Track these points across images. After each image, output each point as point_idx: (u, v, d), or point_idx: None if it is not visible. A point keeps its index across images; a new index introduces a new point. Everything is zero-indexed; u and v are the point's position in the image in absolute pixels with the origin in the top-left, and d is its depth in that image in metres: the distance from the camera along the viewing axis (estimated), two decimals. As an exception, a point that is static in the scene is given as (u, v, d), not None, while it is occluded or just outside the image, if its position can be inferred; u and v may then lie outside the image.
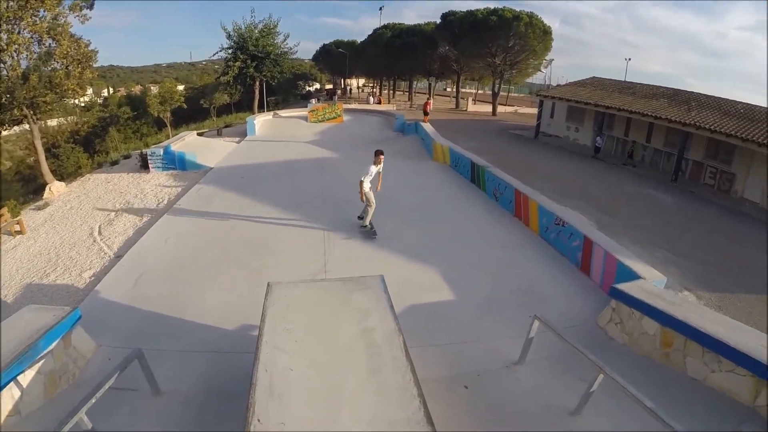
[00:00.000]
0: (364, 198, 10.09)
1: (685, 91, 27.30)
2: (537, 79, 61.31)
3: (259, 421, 3.22)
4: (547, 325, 5.49)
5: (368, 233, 10.32)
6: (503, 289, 8.14)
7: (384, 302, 4.99)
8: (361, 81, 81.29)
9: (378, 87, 71.81)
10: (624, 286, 6.84)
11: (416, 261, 8.98)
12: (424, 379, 5.13)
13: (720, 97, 25.43)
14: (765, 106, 23.03)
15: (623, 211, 15.42)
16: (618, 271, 7.77)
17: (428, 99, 34.75)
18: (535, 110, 34.11)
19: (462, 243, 10.10)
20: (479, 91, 73.18)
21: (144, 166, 17.49)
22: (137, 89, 74.39)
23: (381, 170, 10.47)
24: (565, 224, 9.69)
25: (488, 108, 47.99)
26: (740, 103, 24.08)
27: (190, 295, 7.65)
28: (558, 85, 39.23)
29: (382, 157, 10.23)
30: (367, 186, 10.00)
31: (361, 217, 10.72)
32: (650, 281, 7.15)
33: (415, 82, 63.27)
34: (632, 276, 7.34)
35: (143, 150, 19.36)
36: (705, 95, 26.09)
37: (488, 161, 15.50)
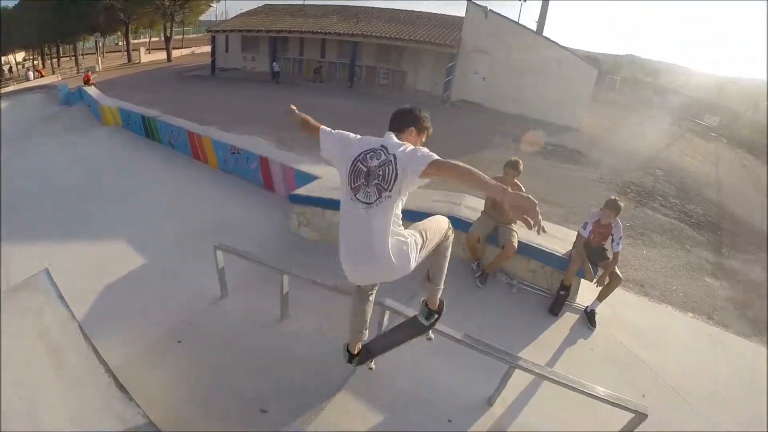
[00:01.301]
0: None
1: (353, 6, 30.11)
2: (213, 15, 59.65)
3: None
4: (229, 251, 5.61)
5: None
6: (194, 231, 8.01)
7: (53, 295, 4.69)
8: (21, 56, 68.18)
9: (40, 58, 61.42)
10: (302, 190, 7.36)
11: (99, 239, 8.18)
12: (133, 354, 4.89)
13: (385, 8, 28.79)
14: (426, 11, 27.29)
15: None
16: (297, 179, 8.29)
17: (87, 71, 31.50)
18: (212, 48, 33.62)
19: (144, 201, 9.53)
20: (153, 39, 68.33)
21: None
22: None
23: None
24: (240, 151, 10.01)
25: (164, 55, 45.47)
26: (403, 11, 27.72)
27: None
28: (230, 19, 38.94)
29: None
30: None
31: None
32: (328, 179, 7.79)
33: (81, 44, 55.95)
34: (310, 179, 7.85)
35: None
36: (372, 7, 29.44)
37: (164, 110, 14.92)
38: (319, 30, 26.00)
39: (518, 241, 5.83)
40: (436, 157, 2.78)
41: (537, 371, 4.02)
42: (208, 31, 35.22)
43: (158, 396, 4.21)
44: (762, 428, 4.99)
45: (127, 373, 3.66)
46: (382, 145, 2.95)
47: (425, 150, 2.84)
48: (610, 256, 5.76)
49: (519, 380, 4.59)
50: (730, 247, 13.43)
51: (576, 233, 6.04)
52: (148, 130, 14.36)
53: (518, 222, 6.03)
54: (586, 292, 6.13)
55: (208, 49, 41.95)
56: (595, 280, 5.81)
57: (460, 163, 2.68)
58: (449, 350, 4.58)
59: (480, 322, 5.37)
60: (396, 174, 2.83)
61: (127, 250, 7.66)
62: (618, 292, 6.37)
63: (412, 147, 2.91)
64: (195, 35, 70.76)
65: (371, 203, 2.87)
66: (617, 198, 5.68)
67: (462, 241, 6.16)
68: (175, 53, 46.14)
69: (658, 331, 6.24)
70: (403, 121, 3.19)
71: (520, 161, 5.86)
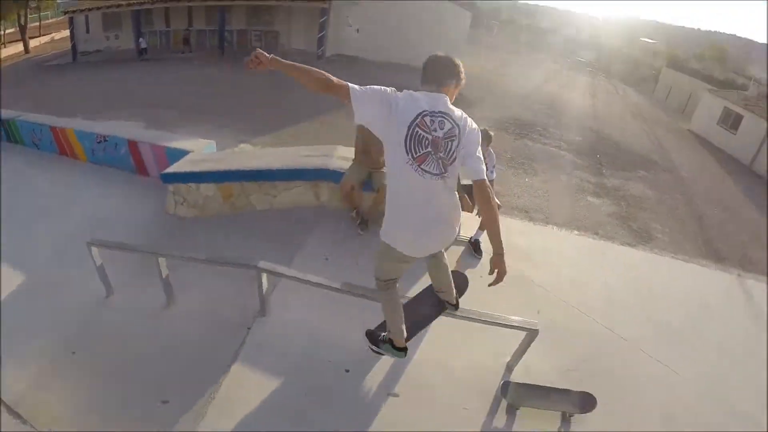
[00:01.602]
0: None
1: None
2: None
3: None
4: (103, 245, 5.34)
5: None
6: (69, 233, 7.25)
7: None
8: None
9: None
10: (172, 168, 7.01)
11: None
12: (29, 377, 4.56)
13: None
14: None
15: (175, 99, 15.56)
16: (168, 157, 7.89)
17: None
18: (76, 32, 30.99)
19: (12, 213, 8.43)
20: (8, 31, 61.99)
21: None
22: None
23: None
24: (107, 138, 9.32)
25: (21, 47, 41.41)
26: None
27: None
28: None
29: None
30: None
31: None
32: (199, 151, 7.52)
33: None
34: (182, 154, 7.51)
35: None
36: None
37: (24, 108, 13.46)
38: (183, -2, 24.50)
39: None
40: (484, 175, 2.78)
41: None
42: (65, 13, 32.41)
43: (60, 413, 4.07)
44: (651, 326, 5.50)
45: (28, 398, 3.57)
46: (441, 111, 2.73)
47: (480, 154, 2.80)
48: None
49: (412, 318, 4.71)
50: (609, 167, 14.36)
51: None
52: (8, 133, 12.93)
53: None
54: (470, 224, 6.26)
55: (68, 33, 38.67)
56: (475, 211, 5.94)
57: (495, 203, 2.82)
58: (338, 302, 4.62)
59: (366, 269, 5.41)
60: (455, 158, 2.74)
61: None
62: (503, 220, 6.60)
63: (475, 133, 2.82)
64: (54, 19, 64.98)
65: (440, 174, 2.71)
66: (487, 128, 5.80)
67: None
68: (34, 43, 41.91)
69: (546, 251, 6.55)
70: (446, 75, 2.88)
71: None
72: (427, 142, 2.64)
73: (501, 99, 18.37)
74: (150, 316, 5.19)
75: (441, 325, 4.69)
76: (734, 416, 4.63)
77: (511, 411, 4.11)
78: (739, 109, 24.47)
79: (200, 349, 4.61)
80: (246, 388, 4.08)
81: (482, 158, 2.79)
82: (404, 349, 3.55)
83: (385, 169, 2.88)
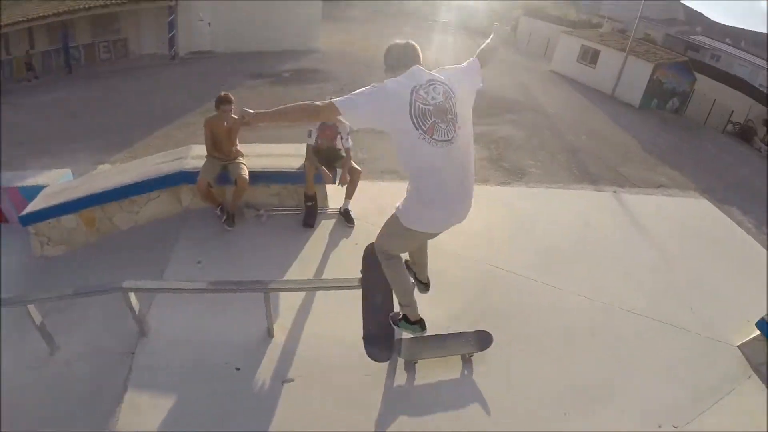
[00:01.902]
0: None
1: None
2: None
3: None
4: None
5: None
6: None
7: None
8: None
9: None
10: (28, 208, 6.54)
11: None
12: None
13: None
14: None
15: (24, 132, 14.22)
16: (25, 197, 7.26)
17: None
18: None
19: None
20: None
21: None
22: None
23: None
24: None
25: None
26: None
27: None
28: None
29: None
30: None
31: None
32: (55, 183, 7.12)
33: None
34: (38, 191, 7.03)
35: None
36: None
37: None
38: (18, 19, 22.20)
39: (249, 172, 5.91)
40: (475, 58, 3.17)
41: (289, 286, 4.22)
42: None
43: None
44: (537, 255, 5.90)
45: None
46: (427, 80, 2.84)
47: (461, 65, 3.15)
48: (345, 154, 6.02)
49: (294, 301, 4.81)
50: (476, 115, 15.00)
51: None
52: None
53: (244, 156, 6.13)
54: (336, 195, 6.43)
55: None
56: (337, 182, 6.04)
57: (492, 46, 3.25)
58: (216, 303, 4.67)
59: (242, 263, 5.47)
60: (458, 107, 2.86)
61: None
62: (375, 184, 6.76)
63: (455, 68, 3.10)
64: None
65: (451, 139, 2.79)
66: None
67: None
68: None
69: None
70: (411, 57, 3.02)
71: (229, 93, 5.84)
72: (429, 112, 2.75)
73: (361, 69, 18.57)
74: (36, 369, 4.88)
75: (323, 299, 4.82)
76: (637, 321, 5.09)
77: (410, 366, 4.28)
78: (595, 45, 26.50)
79: (93, 387, 4.45)
80: (143, 413, 4.02)
81: (463, 66, 3.14)
82: (419, 321, 3.60)
83: (400, 162, 2.97)
